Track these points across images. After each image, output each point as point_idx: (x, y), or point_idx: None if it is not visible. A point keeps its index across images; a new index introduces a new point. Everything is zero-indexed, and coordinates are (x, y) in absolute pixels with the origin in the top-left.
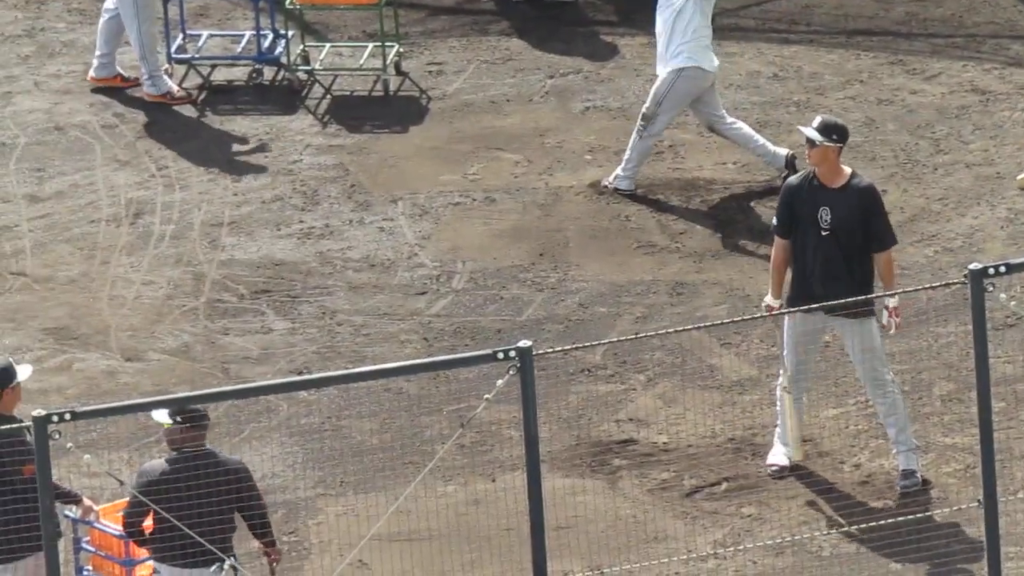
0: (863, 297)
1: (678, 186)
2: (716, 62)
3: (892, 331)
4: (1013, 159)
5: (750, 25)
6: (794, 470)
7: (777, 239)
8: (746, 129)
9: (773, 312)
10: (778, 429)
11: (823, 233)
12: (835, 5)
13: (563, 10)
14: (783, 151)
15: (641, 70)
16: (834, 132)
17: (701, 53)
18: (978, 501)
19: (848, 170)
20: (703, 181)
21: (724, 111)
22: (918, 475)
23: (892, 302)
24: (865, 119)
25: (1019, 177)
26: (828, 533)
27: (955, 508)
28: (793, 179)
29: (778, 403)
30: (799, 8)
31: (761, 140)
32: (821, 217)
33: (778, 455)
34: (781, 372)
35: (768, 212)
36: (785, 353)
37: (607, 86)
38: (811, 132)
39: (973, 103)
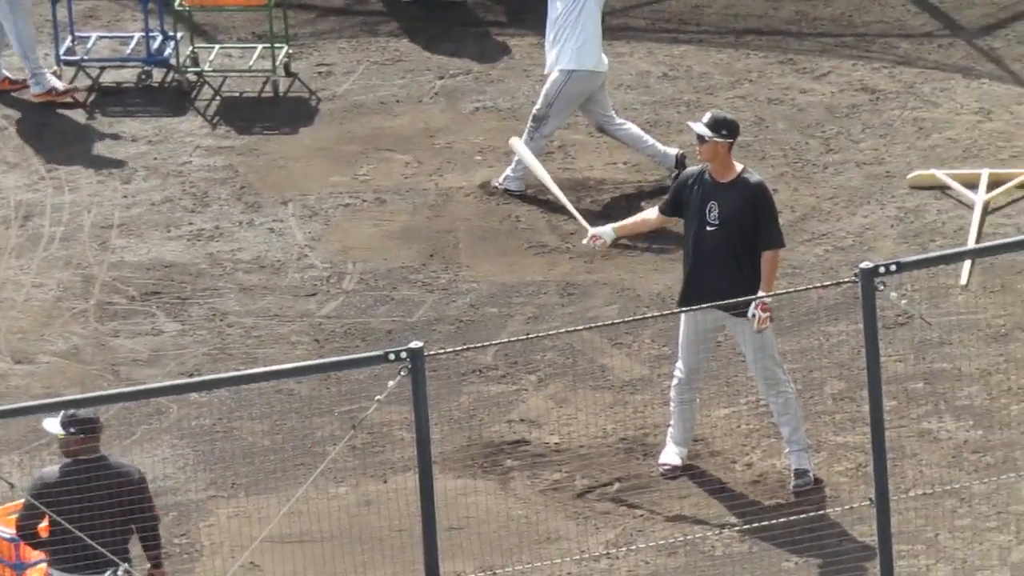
0: (752, 297)
1: (568, 186)
2: (606, 63)
3: (755, 326)
4: (903, 158)
5: (640, 25)
6: (686, 470)
7: (656, 209)
8: (635, 129)
9: (591, 235)
10: (670, 428)
11: (709, 228)
12: (725, 5)
13: (452, 11)
14: (673, 150)
15: (531, 70)
16: (723, 127)
17: (591, 54)
18: (870, 500)
19: (739, 166)
20: (593, 181)
21: (613, 112)
22: (810, 474)
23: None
24: (755, 118)
25: (909, 176)
26: (720, 532)
27: (847, 507)
28: (690, 169)
29: (671, 402)
30: (689, 8)
31: (650, 140)
32: (708, 212)
33: (670, 455)
34: (675, 371)
35: None
36: (680, 352)
37: (497, 87)
38: (700, 127)
39: (863, 102)
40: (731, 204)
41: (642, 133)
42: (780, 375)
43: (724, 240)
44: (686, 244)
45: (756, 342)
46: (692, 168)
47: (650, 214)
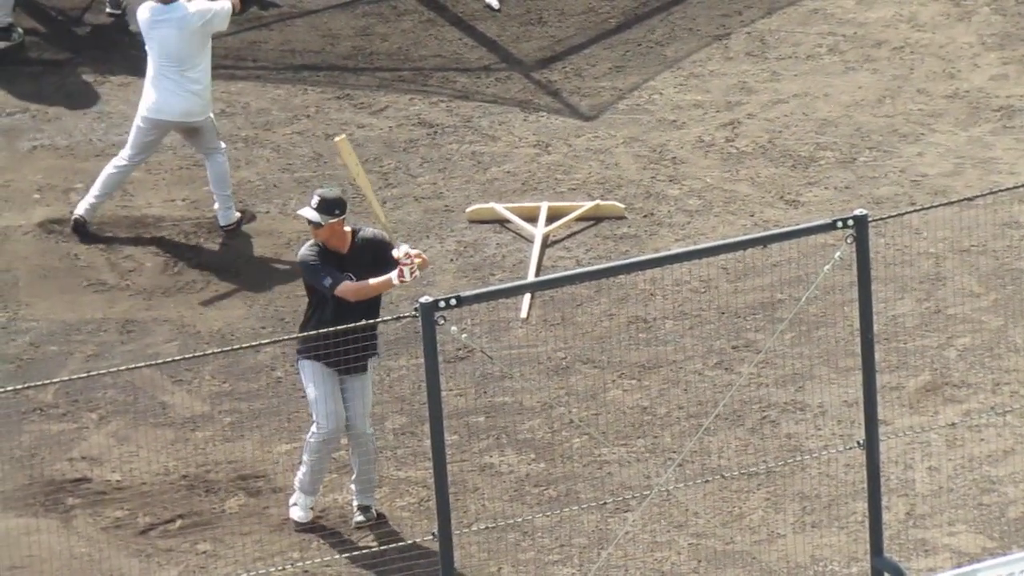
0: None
1: (127, 224)
2: (164, 108)
3: (407, 276)
4: (461, 192)
5: None
6: (243, 507)
7: (343, 288)
8: (223, 169)
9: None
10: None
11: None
12: (281, 41)
13: (7, 51)
14: (236, 215)
15: (87, 108)
16: (335, 207)
17: (146, 100)
18: (432, 534)
19: (349, 229)
20: (152, 218)
21: (220, 144)
22: (373, 510)
23: (401, 250)
24: (313, 154)
25: (468, 210)
26: (284, 568)
27: (410, 541)
28: (311, 249)
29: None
30: (245, 44)
31: (230, 191)
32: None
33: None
34: (315, 425)
35: (219, 248)
36: (317, 405)
37: (54, 125)
38: (313, 215)
39: (421, 136)
40: (363, 266)
41: (227, 178)
42: (367, 430)
43: (360, 304)
44: (321, 310)
45: (363, 396)
46: (309, 249)
47: (353, 285)
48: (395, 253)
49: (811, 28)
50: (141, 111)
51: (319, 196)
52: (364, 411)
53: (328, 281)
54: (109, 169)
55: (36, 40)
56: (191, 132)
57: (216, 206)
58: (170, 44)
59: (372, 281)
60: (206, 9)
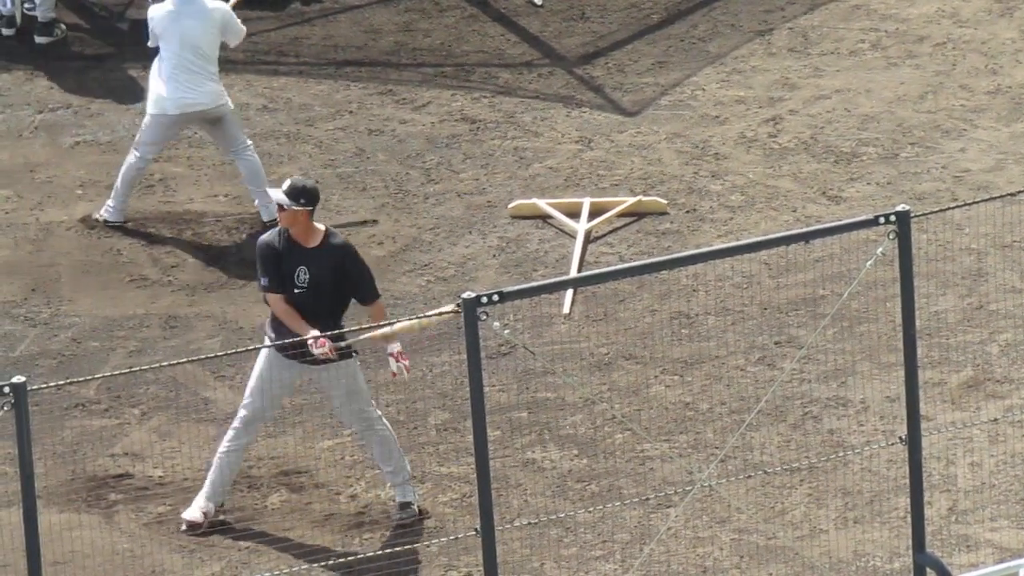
0: (337, 331)
1: (170, 219)
2: (185, 102)
3: (406, 375)
4: (504, 187)
5: (239, 57)
6: (285, 503)
7: (272, 295)
8: (255, 166)
9: (324, 340)
10: (209, 477)
11: (297, 291)
12: (323, 36)
13: (50, 46)
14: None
15: (131, 104)
16: (301, 195)
17: (168, 94)
18: (475, 530)
19: (322, 228)
20: (194, 214)
21: (247, 141)
22: (414, 506)
23: (394, 347)
24: (356, 149)
25: (511, 205)
26: (325, 564)
27: (452, 537)
28: (268, 237)
29: (219, 449)
30: (288, 40)
31: (266, 186)
32: (298, 276)
33: (194, 511)
34: (237, 420)
35: None
36: (248, 398)
37: (97, 120)
38: (278, 195)
39: (463, 132)
40: (321, 268)
41: (262, 172)
42: (373, 414)
43: (313, 301)
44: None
45: (347, 387)
46: (269, 235)
47: (280, 304)
48: (390, 348)
49: (853, 24)
50: (161, 108)
51: (290, 181)
52: (349, 403)
53: (264, 281)
54: (130, 170)
55: (79, 35)
56: (217, 122)
57: (256, 202)
58: (195, 36)
59: (302, 324)
60: (227, 12)
